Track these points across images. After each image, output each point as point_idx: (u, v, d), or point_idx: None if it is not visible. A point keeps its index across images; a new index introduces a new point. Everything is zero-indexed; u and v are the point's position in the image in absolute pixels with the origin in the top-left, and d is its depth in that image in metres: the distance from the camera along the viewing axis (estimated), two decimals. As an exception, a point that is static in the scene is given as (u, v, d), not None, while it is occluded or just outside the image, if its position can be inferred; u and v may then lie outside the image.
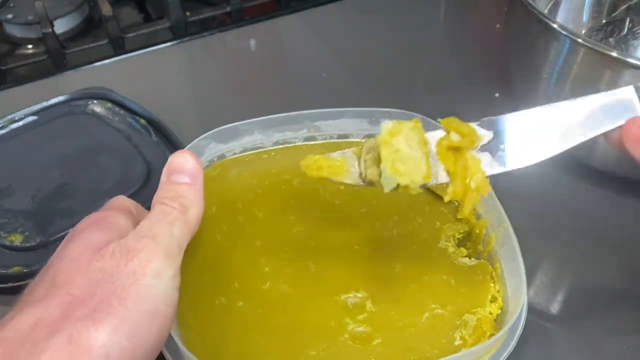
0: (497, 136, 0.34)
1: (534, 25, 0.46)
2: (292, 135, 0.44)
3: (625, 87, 0.32)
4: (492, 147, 0.34)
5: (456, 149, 0.33)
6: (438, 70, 0.62)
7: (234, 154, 0.44)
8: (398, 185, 0.32)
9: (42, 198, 0.45)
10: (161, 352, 0.30)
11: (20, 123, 0.50)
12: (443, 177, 0.33)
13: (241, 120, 0.44)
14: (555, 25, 0.43)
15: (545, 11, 0.54)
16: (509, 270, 0.36)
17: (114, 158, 0.48)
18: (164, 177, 0.33)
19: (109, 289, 0.26)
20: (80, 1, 0.66)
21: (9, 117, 0.50)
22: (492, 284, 0.37)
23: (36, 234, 0.43)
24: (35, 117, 0.50)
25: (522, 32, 0.48)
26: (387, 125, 0.33)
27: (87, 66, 0.62)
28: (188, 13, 0.66)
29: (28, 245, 0.42)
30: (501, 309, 0.36)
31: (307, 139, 0.45)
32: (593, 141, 0.45)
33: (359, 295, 0.36)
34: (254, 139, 0.44)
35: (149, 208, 0.32)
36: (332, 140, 0.45)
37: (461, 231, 0.40)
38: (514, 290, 0.35)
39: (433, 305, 0.36)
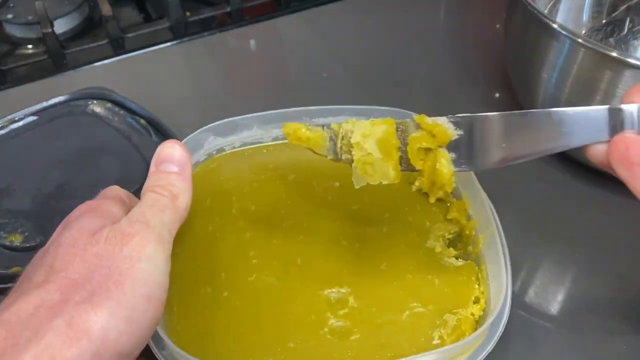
0: (469, 134, 0.34)
1: (534, 25, 0.46)
2: None
3: (601, 106, 0.31)
4: (462, 145, 0.34)
5: (427, 148, 0.35)
6: (438, 70, 0.62)
7: (234, 147, 0.44)
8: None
9: (42, 198, 0.45)
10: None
11: (20, 123, 0.50)
12: (416, 167, 0.35)
13: (241, 120, 0.45)
14: (555, 25, 0.43)
15: (545, 11, 0.54)
16: (493, 272, 0.36)
17: (114, 158, 0.48)
18: (152, 167, 0.34)
19: (106, 273, 0.27)
20: (80, 1, 0.66)
21: (9, 117, 0.50)
22: (476, 286, 0.37)
23: (36, 234, 0.43)
24: (35, 117, 0.50)
25: (522, 32, 0.48)
26: (360, 126, 0.34)
27: (87, 66, 0.62)
28: (188, 13, 0.66)
29: (28, 245, 0.43)
30: (484, 310, 0.36)
31: None
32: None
33: (343, 290, 0.37)
34: (253, 134, 0.45)
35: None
36: None
37: (451, 232, 0.40)
38: (496, 292, 0.35)
39: (414, 304, 0.36)
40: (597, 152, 0.31)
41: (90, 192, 0.45)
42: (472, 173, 0.40)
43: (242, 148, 0.45)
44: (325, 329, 0.35)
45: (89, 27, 0.67)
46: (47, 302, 0.26)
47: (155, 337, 0.32)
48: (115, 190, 0.35)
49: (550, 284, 0.44)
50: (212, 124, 0.43)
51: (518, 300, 0.43)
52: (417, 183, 0.42)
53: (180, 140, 0.37)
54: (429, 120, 0.34)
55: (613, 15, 0.57)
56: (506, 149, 0.33)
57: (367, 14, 0.69)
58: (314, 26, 0.67)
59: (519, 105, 0.54)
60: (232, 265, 0.38)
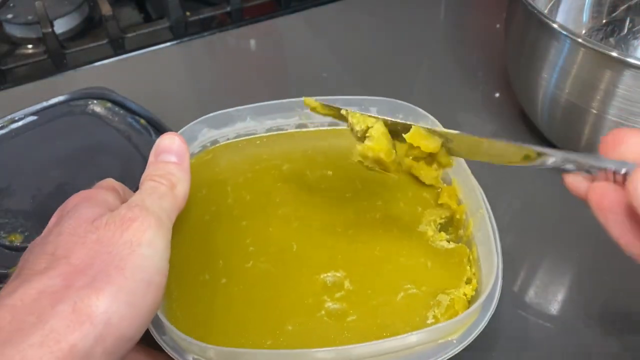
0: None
1: (534, 25, 0.46)
2: (284, 122, 0.46)
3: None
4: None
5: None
6: (438, 71, 0.62)
7: (227, 139, 0.45)
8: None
9: (42, 198, 0.45)
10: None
11: (20, 123, 0.50)
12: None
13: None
14: (555, 25, 0.43)
15: (545, 11, 0.54)
16: (484, 254, 0.37)
17: (114, 158, 0.48)
18: (151, 158, 0.34)
19: (107, 259, 0.27)
20: (80, 1, 0.66)
21: (9, 117, 0.50)
22: (468, 267, 0.38)
23: (36, 234, 0.42)
24: (35, 117, 0.50)
25: (522, 32, 0.48)
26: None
27: (87, 66, 0.62)
28: (188, 13, 0.66)
29: (28, 245, 0.42)
30: (476, 290, 0.37)
31: (298, 126, 0.46)
32: (593, 142, 0.46)
33: (338, 274, 0.38)
34: (246, 126, 0.45)
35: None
36: (323, 128, 0.46)
37: (442, 216, 0.41)
38: (487, 273, 0.36)
39: (408, 286, 0.37)
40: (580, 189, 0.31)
41: (90, 192, 0.46)
42: (461, 159, 0.41)
43: (236, 140, 0.45)
44: (322, 312, 0.36)
45: (89, 27, 0.67)
46: (50, 288, 0.26)
47: (156, 322, 0.33)
48: (109, 181, 0.35)
49: (550, 284, 0.44)
50: (205, 116, 0.44)
51: (518, 300, 0.43)
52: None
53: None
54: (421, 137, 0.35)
55: (613, 15, 0.57)
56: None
57: (367, 13, 0.69)
58: (314, 26, 0.67)
59: (519, 105, 0.54)
60: (229, 253, 0.39)
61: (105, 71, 0.61)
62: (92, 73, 0.61)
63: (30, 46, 0.65)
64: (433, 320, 0.36)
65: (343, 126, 0.45)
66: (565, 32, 0.42)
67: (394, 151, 0.36)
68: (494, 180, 0.42)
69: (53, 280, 0.27)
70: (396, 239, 0.40)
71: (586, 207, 0.31)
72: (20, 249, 0.42)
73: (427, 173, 0.42)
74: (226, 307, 0.36)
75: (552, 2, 0.56)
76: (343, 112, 0.37)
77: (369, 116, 0.36)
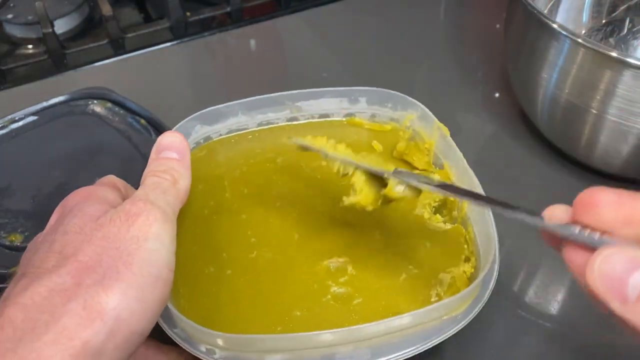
0: None
1: (534, 25, 0.46)
2: (274, 116, 0.46)
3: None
4: None
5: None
6: (438, 71, 0.62)
7: (220, 135, 0.45)
8: None
9: (42, 198, 0.45)
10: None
11: (20, 123, 0.50)
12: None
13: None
14: (555, 25, 0.43)
15: (545, 11, 0.54)
16: (481, 232, 0.38)
17: (114, 158, 0.48)
18: (153, 155, 0.35)
19: (115, 255, 0.28)
20: (80, 1, 0.66)
21: (9, 117, 0.50)
22: (465, 246, 0.39)
23: (36, 233, 0.43)
24: (35, 117, 0.50)
25: (522, 32, 0.48)
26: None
27: (87, 66, 0.62)
28: (188, 13, 0.66)
29: (28, 245, 0.42)
30: (475, 268, 0.38)
31: (289, 119, 0.46)
32: (593, 142, 0.46)
33: (341, 260, 0.38)
34: (238, 121, 0.46)
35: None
36: (313, 120, 0.47)
37: (437, 200, 0.42)
38: (485, 250, 0.37)
39: (410, 267, 0.38)
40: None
41: (90, 192, 0.46)
42: (451, 141, 0.42)
43: (228, 135, 0.46)
44: (328, 296, 0.37)
45: (89, 27, 0.67)
46: (60, 286, 0.26)
47: (166, 315, 0.33)
48: (111, 178, 0.35)
49: (550, 283, 0.44)
50: (197, 113, 0.44)
51: (518, 300, 0.43)
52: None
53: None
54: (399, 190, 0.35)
55: (613, 15, 0.57)
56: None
57: (367, 13, 0.69)
58: (314, 26, 0.67)
59: (519, 105, 0.54)
60: (232, 245, 0.39)
61: (106, 71, 0.61)
62: (92, 73, 0.61)
63: (30, 46, 0.65)
64: (437, 298, 0.36)
65: (335, 118, 0.47)
66: (565, 32, 0.42)
67: (380, 194, 0.36)
68: (493, 182, 0.42)
69: (63, 278, 0.27)
70: (394, 223, 0.40)
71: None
72: (20, 249, 0.42)
73: (420, 158, 0.43)
74: (233, 298, 0.36)
75: (552, 2, 0.56)
76: (324, 160, 0.38)
77: (349, 163, 0.37)
